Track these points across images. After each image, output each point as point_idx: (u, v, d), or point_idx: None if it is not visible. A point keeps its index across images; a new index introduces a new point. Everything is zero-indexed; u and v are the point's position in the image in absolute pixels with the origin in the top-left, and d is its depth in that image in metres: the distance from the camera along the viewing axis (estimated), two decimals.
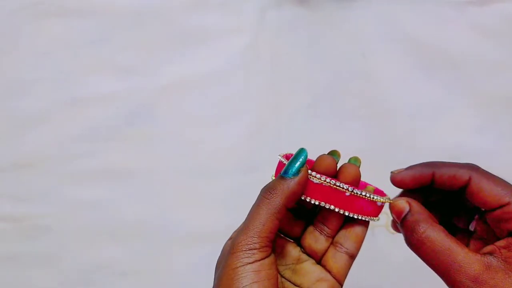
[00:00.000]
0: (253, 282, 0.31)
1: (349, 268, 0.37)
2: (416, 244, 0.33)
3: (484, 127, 0.62)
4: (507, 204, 0.32)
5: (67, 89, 0.64)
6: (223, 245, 0.36)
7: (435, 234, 0.32)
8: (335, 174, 0.36)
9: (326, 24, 0.66)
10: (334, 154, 0.37)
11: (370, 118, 0.63)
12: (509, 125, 0.62)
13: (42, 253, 0.61)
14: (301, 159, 0.34)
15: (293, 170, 0.33)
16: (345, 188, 0.34)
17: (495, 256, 0.31)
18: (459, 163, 0.35)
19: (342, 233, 0.37)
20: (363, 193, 0.35)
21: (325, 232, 0.37)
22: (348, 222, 0.37)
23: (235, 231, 0.36)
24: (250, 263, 0.31)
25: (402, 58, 0.64)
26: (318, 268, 0.37)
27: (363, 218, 0.36)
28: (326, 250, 0.37)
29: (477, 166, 0.35)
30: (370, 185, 0.38)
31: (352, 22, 0.65)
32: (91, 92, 0.64)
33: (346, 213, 0.35)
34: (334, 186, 0.34)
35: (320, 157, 0.36)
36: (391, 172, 0.36)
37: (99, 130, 0.63)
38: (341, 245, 0.36)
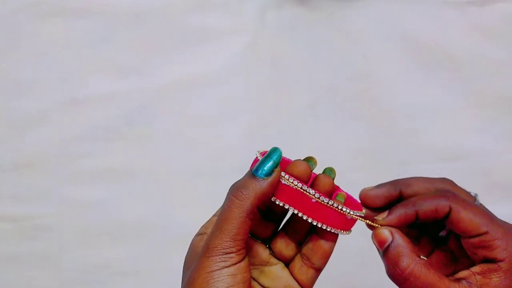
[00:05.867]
0: (229, 287, 0.31)
1: (316, 279, 0.36)
2: (399, 279, 0.33)
3: (484, 127, 0.62)
4: (485, 233, 0.33)
5: (67, 89, 0.64)
6: None
7: (417, 270, 0.33)
8: (308, 181, 0.35)
9: (326, 24, 0.66)
10: (310, 160, 0.35)
11: (370, 118, 0.63)
12: (509, 125, 0.62)
13: (42, 253, 0.61)
14: (274, 159, 0.33)
15: (266, 170, 0.32)
16: (311, 193, 0.33)
17: (470, 283, 0.33)
18: (436, 193, 0.35)
19: (309, 246, 0.36)
20: (330, 202, 0.33)
21: (295, 239, 0.37)
22: (315, 233, 0.36)
23: (203, 226, 0.36)
24: (226, 267, 0.31)
25: (402, 58, 0.64)
26: (286, 273, 0.36)
27: (329, 229, 0.34)
28: (295, 255, 0.37)
29: (453, 193, 0.35)
30: (343, 191, 0.36)
31: (352, 22, 0.65)
32: (91, 92, 0.64)
33: (310, 220, 0.33)
34: (301, 190, 0.33)
35: (295, 162, 0.34)
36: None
37: (99, 130, 0.63)
38: (307, 258, 0.36)
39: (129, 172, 0.62)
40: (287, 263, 0.37)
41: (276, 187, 0.33)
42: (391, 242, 0.34)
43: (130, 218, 0.61)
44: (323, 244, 0.35)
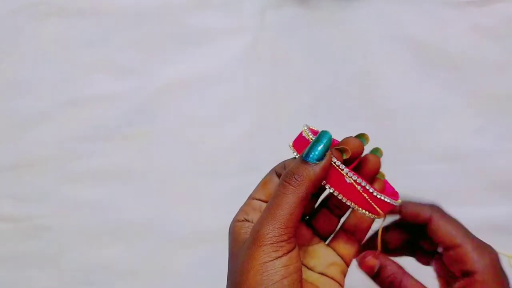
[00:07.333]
0: (283, 278, 0.30)
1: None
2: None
3: (484, 127, 0.62)
4: (459, 246, 0.36)
5: (67, 89, 0.64)
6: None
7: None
8: (358, 158, 0.35)
9: (326, 24, 0.66)
10: (361, 137, 0.36)
11: (370, 119, 0.63)
12: (509, 125, 0.62)
13: (42, 253, 0.61)
14: (324, 142, 0.32)
15: (317, 154, 0.32)
16: (367, 187, 0.33)
17: None
18: (423, 202, 0.39)
19: (352, 222, 0.36)
20: (383, 197, 0.33)
21: (336, 213, 0.37)
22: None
23: (242, 210, 0.34)
24: (279, 257, 0.30)
25: (402, 58, 0.64)
26: (329, 251, 0.36)
27: (372, 216, 0.34)
28: (336, 231, 0.37)
29: (439, 207, 0.39)
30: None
31: (352, 22, 0.65)
32: (91, 92, 0.64)
33: (360, 210, 0.33)
34: (355, 184, 0.32)
35: (347, 140, 0.35)
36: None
37: (99, 130, 0.63)
38: (352, 234, 0.36)
39: (129, 172, 0.62)
40: (326, 238, 0.37)
41: (328, 170, 0.32)
42: (381, 266, 0.37)
43: (130, 218, 0.61)
44: (367, 221, 0.37)
